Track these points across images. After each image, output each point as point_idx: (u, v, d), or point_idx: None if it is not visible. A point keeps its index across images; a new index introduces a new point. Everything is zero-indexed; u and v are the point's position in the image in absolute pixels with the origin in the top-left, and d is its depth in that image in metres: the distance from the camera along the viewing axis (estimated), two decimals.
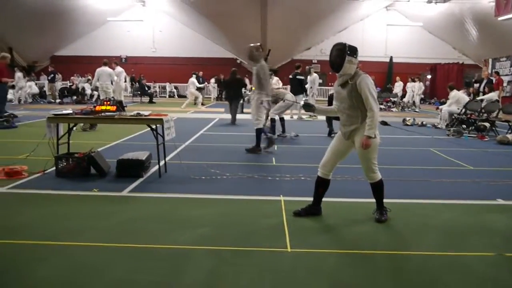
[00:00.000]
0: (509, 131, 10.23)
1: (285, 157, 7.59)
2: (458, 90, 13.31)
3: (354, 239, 3.79)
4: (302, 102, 4.92)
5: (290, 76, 13.96)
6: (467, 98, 12.68)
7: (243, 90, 14.43)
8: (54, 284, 2.85)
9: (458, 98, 12.40)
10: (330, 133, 10.09)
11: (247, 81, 18.03)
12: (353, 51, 3.92)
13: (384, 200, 4.48)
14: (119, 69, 14.95)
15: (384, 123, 7.40)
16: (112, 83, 14.32)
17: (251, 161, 7.18)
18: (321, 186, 4.29)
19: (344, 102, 4.06)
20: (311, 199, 4.40)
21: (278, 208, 4.58)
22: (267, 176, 6.03)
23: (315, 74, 14.66)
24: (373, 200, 4.30)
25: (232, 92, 13.49)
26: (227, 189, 5.34)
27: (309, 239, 3.74)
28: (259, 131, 7.79)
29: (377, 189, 4.22)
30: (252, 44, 7.72)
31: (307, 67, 14.47)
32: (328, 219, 4.26)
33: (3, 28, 24.45)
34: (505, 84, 18.58)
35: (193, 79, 19.29)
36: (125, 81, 16.89)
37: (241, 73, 17.68)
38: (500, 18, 18.21)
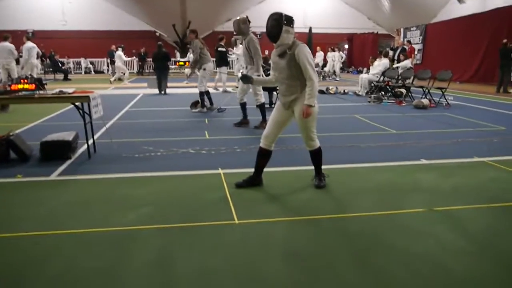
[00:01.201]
0: (423, 96, 10.96)
1: (216, 130, 7.53)
2: (376, 58, 13.97)
3: (298, 206, 3.89)
4: (239, 74, 4.86)
5: (215, 48, 13.75)
6: (388, 64, 13.30)
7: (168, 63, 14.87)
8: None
9: (384, 64, 12.99)
10: (271, 104, 10.19)
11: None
12: (289, 20, 3.92)
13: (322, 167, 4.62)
14: (30, 44, 13.75)
15: (321, 91, 7.67)
16: (18, 61, 13.19)
17: (182, 136, 7.03)
18: (264, 157, 4.31)
19: (283, 72, 4.07)
20: (250, 170, 4.42)
21: (218, 181, 4.55)
22: (201, 150, 5.96)
23: (240, 45, 14.51)
24: (312, 167, 4.42)
25: (160, 65, 14.12)
26: (163, 166, 5.19)
27: (254, 210, 3.77)
28: (262, 106, 7.67)
29: (316, 156, 4.33)
30: (238, 17, 7.41)
31: (232, 38, 14.29)
32: (270, 189, 4.31)
33: None
34: (416, 52, 19.80)
35: (119, 53, 18.53)
36: (38, 58, 15.58)
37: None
38: None
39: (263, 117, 7.63)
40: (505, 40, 14.55)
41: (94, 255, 2.91)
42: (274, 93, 10.27)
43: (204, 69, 9.46)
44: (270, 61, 4.31)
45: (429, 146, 6.29)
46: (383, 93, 12.25)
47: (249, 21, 7.33)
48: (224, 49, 13.69)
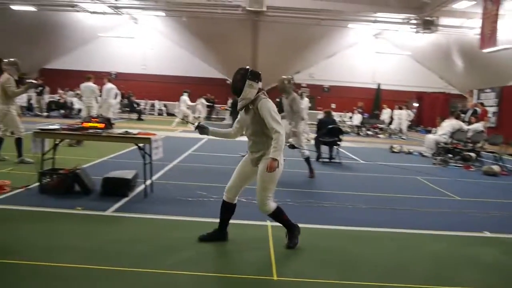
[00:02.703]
0: (495, 162, 10.34)
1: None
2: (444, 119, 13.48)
3: (342, 269, 3.73)
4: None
5: (277, 99, 14.01)
6: (458, 126, 12.71)
7: None
8: None
9: (452, 125, 12.50)
10: (331, 158, 10.14)
11: None
12: (255, 76, 3.92)
13: (370, 229, 4.45)
14: (109, 85, 14.78)
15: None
16: (97, 100, 14.16)
17: None
18: (227, 210, 4.20)
19: (249, 128, 4.02)
20: (324, 226, 4.33)
21: (264, 234, 4.52)
22: (253, 200, 5.94)
23: (306, 98, 14.73)
24: (361, 228, 4.26)
25: (235, 111, 14.29)
26: (213, 212, 5.21)
27: (296, 267, 3.67)
28: (308, 159, 7.94)
29: (276, 217, 4.11)
30: (284, 76, 7.80)
31: (299, 90, 14.53)
32: (316, 247, 4.18)
33: None
34: (489, 115, 18.88)
35: (184, 97, 19.27)
36: (115, 98, 16.68)
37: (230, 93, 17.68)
38: (484, 50, 18.65)
39: (310, 168, 7.94)
40: None
41: None
42: (335, 147, 10.19)
43: None
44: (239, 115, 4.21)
45: (495, 217, 5.86)
46: (450, 155, 11.71)
47: (293, 81, 7.70)
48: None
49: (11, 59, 7.74)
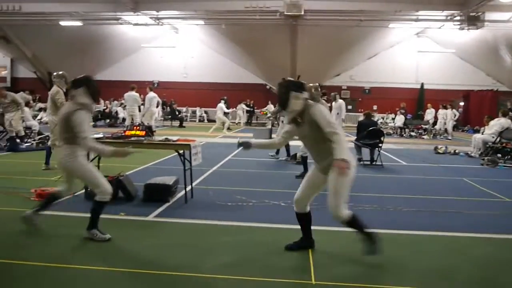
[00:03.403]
0: None
1: None
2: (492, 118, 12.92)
3: (377, 273, 3.66)
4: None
5: None
6: (507, 124, 12.14)
7: None
8: None
9: (501, 124, 11.99)
10: (372, 161, 10.05)
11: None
12: (298, 86, 3.88)
13: (415, 232, 4.33)
14: (151, 94, 15.23)
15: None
16: (139, 109, 14.60)
17: (278, 188, 7.12)
18: (303, 220, 4.12)
19: (309, 139, 3.93)
20: (337, 228, 4.30)
21: None
22: (292, 204, 5.94)
23: (340, 101, 14.47)
24: (404, 231, 4.17)
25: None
26: (252, 217, 5.30)
27: (334, 271, 3.64)
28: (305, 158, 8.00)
29: (352, 226, 3.89)
30: (311, 84, 7.73)
31: (332, 93, 14.36)
32: (355, 250, 4.13)
33: (44, 53, 25.75)
34: None
35: (221, 104, 19.54)
36: (157, 106, 17.14)
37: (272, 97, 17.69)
38: None
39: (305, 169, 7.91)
40: None
41: None
42: (376, 150, 10.00)
43: (282, 121, 10.05)
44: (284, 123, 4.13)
45: None
46: (499, 155, 11.21)
47: (321, 88, 7.69)
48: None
49: (59, 72, 8.12)
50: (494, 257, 4.11)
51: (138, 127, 6.03)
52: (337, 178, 3.63)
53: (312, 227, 4.64)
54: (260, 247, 4.21)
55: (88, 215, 4.25)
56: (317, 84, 7.97)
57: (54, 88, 7.90)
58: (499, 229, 5.03)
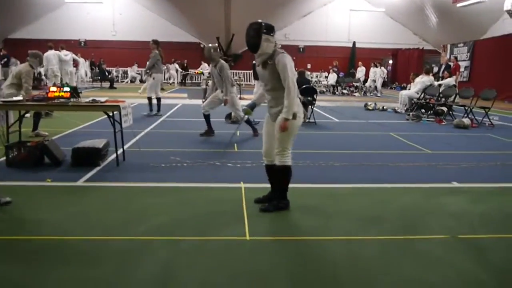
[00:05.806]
0: (465, 115, 10.54)
1: (246, 143, 7.53)
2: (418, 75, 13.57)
3: (314, 226, 3.79)
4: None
5: (254, 62, 13.86)
6: (429, 82, 12.82)
7: None
8: (8, 284, 2.71)
9: (425, 81, 12.64)
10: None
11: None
12: (269, 29, 3.81)
13: (344, 185, 4.49)
14: (65, 52, 14.54)
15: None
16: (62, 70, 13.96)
17: (213, 148, 7.08)
18: (272, 173, 4.16)
19: (268, 83, 3.93)
20: (297, 185, 4.40)
21: (238, 195, 4.53)
22: (227, 163, 5.96)
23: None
24: (335, 185, 4.30)
25: None
26: (186, 177, 5.23)
27: (268, 227, 3.72)
28: (248, 120, 8.05)
29: (282, 174, 4.01)
30: (210, 45, 7.95)
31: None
32: (295, 206, 4.22)
33: None
34: (462, 69, 19.11)
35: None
36: (75, 66, 16.37)
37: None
38: (458, 5, 18.65)
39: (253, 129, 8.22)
40: None
41: (100, 265, 2.94)
42: (310, 107, 10.19)
43: (153, 78, 10.63)
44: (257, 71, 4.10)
45: (464, 168, 6.01)
46: (423, 111, 11.87)
47: (220, 49, 7.88)
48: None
49: (34, 51, 7.49)
50: (418, 205, 4.39)
51: (62, 88, 5.64)
52: (278, 131, 3.82)
53: (247, 185, 4.69)
54: (193, 206, 4.18)
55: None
56: (216, 44, 8.26)
57: (27, 67, 7.23)
58: (423, 179, 5.37)
